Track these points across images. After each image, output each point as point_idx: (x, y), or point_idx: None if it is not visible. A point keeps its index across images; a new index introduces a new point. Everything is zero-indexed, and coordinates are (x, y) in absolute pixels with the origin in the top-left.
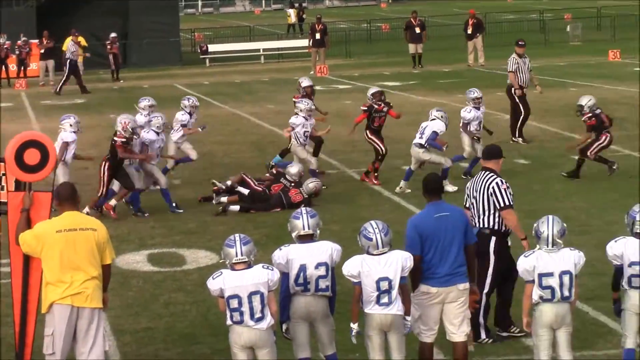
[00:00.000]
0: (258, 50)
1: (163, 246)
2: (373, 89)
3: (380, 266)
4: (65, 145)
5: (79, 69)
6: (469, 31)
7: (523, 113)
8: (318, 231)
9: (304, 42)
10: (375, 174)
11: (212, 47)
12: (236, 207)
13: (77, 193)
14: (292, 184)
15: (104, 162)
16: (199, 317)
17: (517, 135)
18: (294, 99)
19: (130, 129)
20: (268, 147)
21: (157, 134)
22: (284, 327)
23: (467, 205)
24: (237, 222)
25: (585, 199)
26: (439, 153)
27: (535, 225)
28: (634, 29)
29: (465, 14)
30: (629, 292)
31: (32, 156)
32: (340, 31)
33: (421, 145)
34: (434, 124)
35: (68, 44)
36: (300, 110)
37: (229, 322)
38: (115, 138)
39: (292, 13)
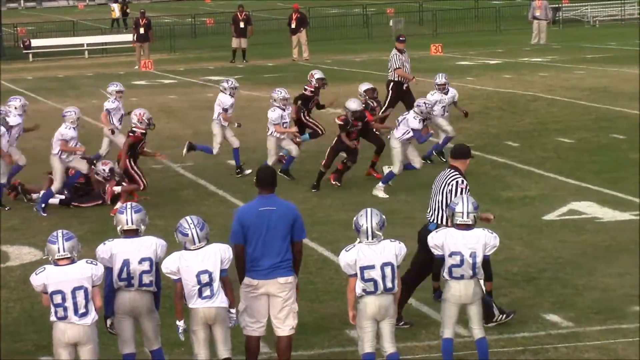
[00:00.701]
0: (82, 45)
1: None
2: (365, 86)
3: (199, 260)
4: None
5: None
6: (293, 26)
7: (388, 105)
8: (143, 227)
9: (128, 37)
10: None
11: (35, 42)
12: (56, 200)
13: None
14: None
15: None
16: (23, 314)
17: None
18: (305, 87)
19: (146, 120)
20: (92, 141)
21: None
22: (109, 322)
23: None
24: (61, 218)
25: (409, 192)
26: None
27: (354, 219)
28: (455, 23)
29: (289, 8)
30: (450, 282)
31: None
32: (165, 26)
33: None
34: (409, 124)
35: None
36: (275, 101)
37: (53, 318)
38: (134, 129)
39: (115, 7)
